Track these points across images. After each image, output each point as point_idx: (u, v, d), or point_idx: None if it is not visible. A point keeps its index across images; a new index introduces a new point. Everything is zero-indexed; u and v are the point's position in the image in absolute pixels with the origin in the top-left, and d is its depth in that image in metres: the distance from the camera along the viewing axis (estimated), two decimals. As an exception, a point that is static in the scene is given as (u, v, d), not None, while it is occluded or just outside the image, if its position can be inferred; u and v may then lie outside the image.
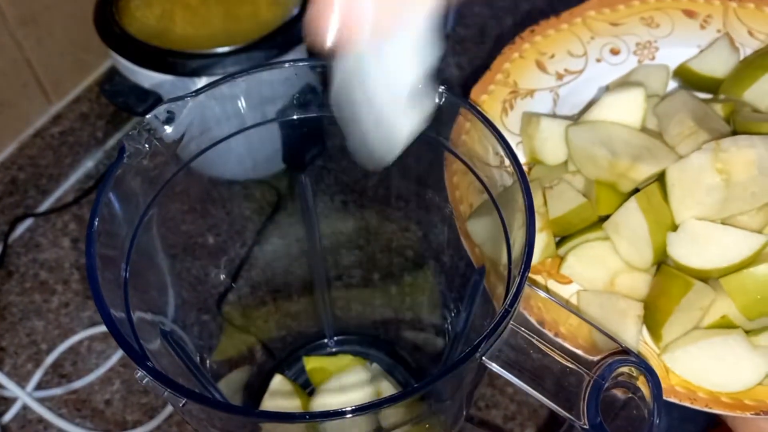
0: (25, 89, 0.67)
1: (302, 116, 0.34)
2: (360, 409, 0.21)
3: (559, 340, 0.25)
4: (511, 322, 0.25)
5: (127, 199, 0.29)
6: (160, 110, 0.29)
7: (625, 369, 0.25)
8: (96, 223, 0.25)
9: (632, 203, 0.41)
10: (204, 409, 0.22)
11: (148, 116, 0.29)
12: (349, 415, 0.21)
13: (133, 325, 0.25)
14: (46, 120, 0.69)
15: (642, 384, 0.25)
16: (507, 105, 0.48)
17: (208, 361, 0.45)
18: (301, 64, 0.31)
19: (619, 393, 0.25)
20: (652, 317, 0.39)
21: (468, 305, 0.35)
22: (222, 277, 0.54)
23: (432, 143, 0.34)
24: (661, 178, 0.41)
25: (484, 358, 0.24)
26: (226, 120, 0.32)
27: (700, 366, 0.37)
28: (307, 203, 0.41)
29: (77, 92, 0.72)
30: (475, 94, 0.48)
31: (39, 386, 0.59)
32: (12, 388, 0.56)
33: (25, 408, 0.57)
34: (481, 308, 0.35)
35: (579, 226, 0.44)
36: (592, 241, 0.42)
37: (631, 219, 0.41)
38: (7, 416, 0.57)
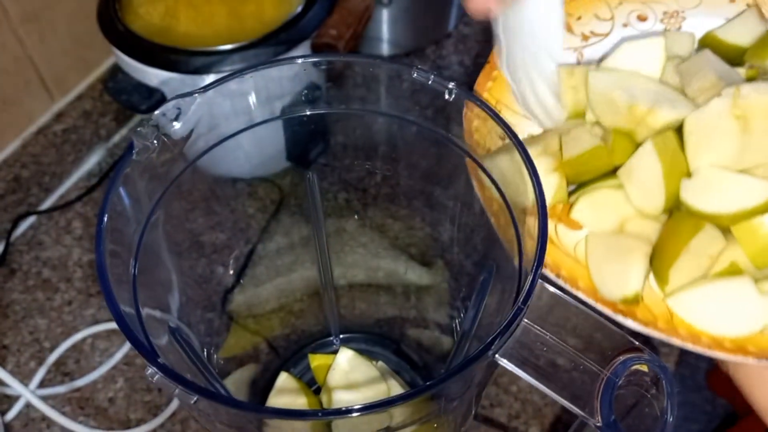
0: (28, 87, 0.67)
1: (311, 113, 0.34)
2: (371, 407, 0.21)
3: (572, 342, 0.25)
4: (524, 319, 0.25)
5: (136, 195, 0.29)
6: (169, 106, 0.29)
7: (638, 367, 0.25)
8: (105, 220, 0.25)
9: (648, 145, 0.40)
10: (213, 406, 0.22)
11: (156, 112, 0.29)
12: (359, 413, 0.21)
13: (142, 321, 0.25)
14: (49, 117, 0.69)
15: (655, 381, 0.24)
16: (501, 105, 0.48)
17: (214, 357, 0.45)
18: (309, 60, 0.31)
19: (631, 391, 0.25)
20: (660, 259, 0.39)
21: (476, 303, 0.35)
22: (227, 275, 0.54)
23: (440, 141, 0.34)
24: (679, 128, 0.41)
25: (496, 355, 0.24)
26: (235, 116, 0.32)
27: (705, 310, 0.37)
28: (314, 201, 0.41)
29: (80, 90, 0.72)
30: (480, 83, 0.48)
31: (42, 384, 0.59)
32: (15, 386, 0.56)
33: (28, 406, 0.57)
34: (490, 306, 0.35)
35: (593, 173, 0.43)
36: (605, 188, 0.42)
37: (645, 162, 0.40)
38: (10, 414, 0.57)
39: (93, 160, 0.73)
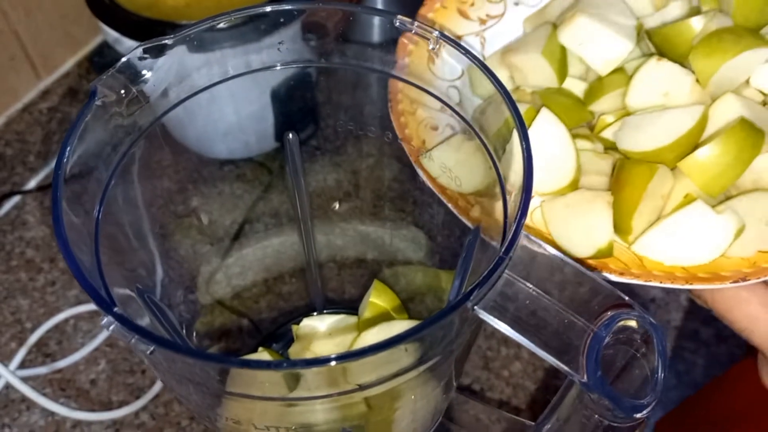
0: (13, 62, 0.65)
1: (287, 66, 0.32)
2: (342, 358, 0.19)
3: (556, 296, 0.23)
4: (507, 271, 0.23)
5: (99, 148, 0.27)
6: (136, 53, 0.27)
7: (627, 323, 0.23)
8: (65, 162, 0.23)
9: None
10: (171, 357, 0.20)
11: (122, 60, 0.27)
12: (331, 363, 0.19)
13: (101, 270, 0.24)
14: (34, 95, 0.68)
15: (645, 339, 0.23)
16: (433, 53, 0.49)
17: (194, 335, 0.44)
18: (286, 7, 0.30)
19: (620, 352, 0.24)
20: (619, 211, 0.38)
21: (461, 270, 0.34)
22: (211, 255, 0.53)
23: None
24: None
25: (477, 308, 0.22)
26: (207, 68, 0.31)
27: (670, 246, 0.37)
28: (294, 164, 0.39)
29: (67, 67, 0.70)
30: (401, 44, 0.49)
31: (22, 365, 0.57)
32: (-8, 366, 0.54)
33: (7, 387, 0.56)
34: (475, 275, 0.33)
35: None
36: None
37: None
38: (-11, 395, 0.55)
39: (79, 140, 0.72)
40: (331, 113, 0.51)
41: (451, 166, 0.35)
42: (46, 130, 0.69)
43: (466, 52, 0.28)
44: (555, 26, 0.45)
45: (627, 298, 0.23)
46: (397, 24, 0.29)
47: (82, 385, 0.57)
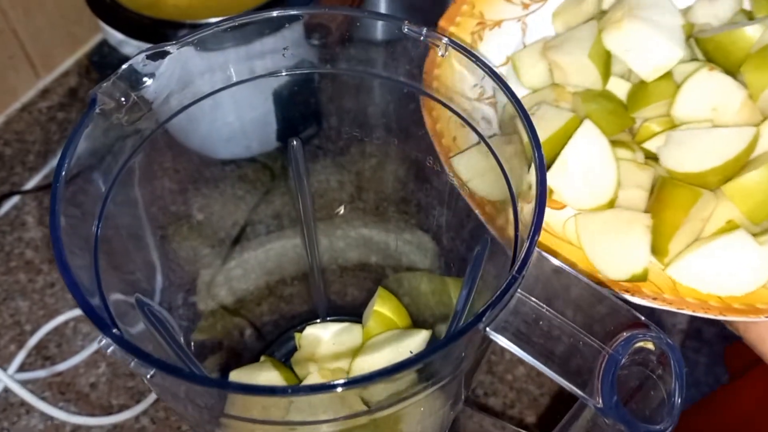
0: (12, 61, 0.64)
1: (292, 72, 0.31)
2: (348, 384, 0.19)
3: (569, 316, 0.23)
4: (519, 290, 0.22)
5: (99, 157, 0.27)
6: (137, 59, 0.27)
7: (643, 344, 0.23)
8: (63, 175, 0.22)
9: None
10: (172, 381, 0.20)
11: (123, 66, 0.27)
12: (338, 389, 0.19)
13: (102, 289, 0.23)
14: (33, 94, 0.67)
15: (662, 361, 0.22)
16: (476, 36, 0.48)
17: (192, 344, 0.43)
18: (292, 12, 0.29)
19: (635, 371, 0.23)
20: (657, 232, 0.37)
21: (469, 280, 0.33)
22: (213, 257, 0.52)
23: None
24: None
25: (488, 329, 0.22)
26: (210, 74, 0.30)
27: (707, 273, 0.36)
28: (298, 171, 0.39)
29: (67, 66, 0.69)
30: (442, 26, 0.48)
31: (22, 368, 0.57)
32: (-9, 370, 0.54)
33: (6, 391, 0.55)
34: (485, 282, 0.32)
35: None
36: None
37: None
38: (-12, 399, 0.55)
39: (79, 140, 0.71)
40: (334, 112, 0.51)
41: (470, 176, 0.34)
42: (45, 130, 0.68)
43: (477, 60, 0.27)
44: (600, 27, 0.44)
45: (643, 317, 0.23)
46: (405, 30, 0.28)
47: (81, 389, 0.56)
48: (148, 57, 0.27)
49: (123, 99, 0.27)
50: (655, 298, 0.35)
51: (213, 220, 0.54)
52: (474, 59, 0.27)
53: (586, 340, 0.22)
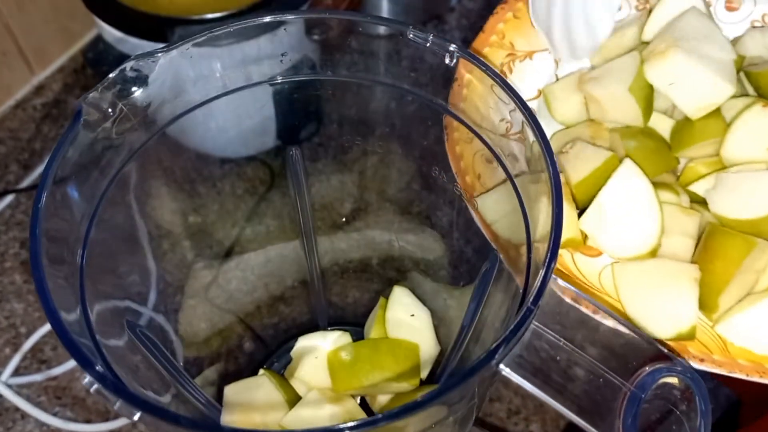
0: (5, 58, 0.63)
1: (291, 79, 0.30)
2: (354, 428, 0.17)
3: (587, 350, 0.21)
4: (534, 322, 0.21)
5: (86, 173, 0.25)
6: (127, 68, 0.25)
7: (667, 379, 0.21)
8: (42, 203, 0.21)
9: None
10: (157, 422, 0.18)
11: (110, 75, 0.25)
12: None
13: (89, 322, 0.22)
14: (27, 91, 0.65)
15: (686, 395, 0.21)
16: (505, 68, 0.45)
17: (183, 353, 0.42)
18: (290, 17, 0.27)
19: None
20: (706, 286, 0.34)
21: (477, 295, 0.31)
22: (210, 259, 0.51)
23: (434, 111, 0.30)
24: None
25: (501, 365, 0.20)
26: (204, 82, 0.28)
27: (761, 331, 0.33)
28: (297, 181, 0.37)
29: (61, 62, 0.68)
30: None
31: (17, 372, 0.56)
32: (-14, 376, 0.53)
33: (1, 396, 0.54)
34: (493, 297, 0.31)
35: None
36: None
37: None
38: (-18, 404, 0.54)
39: (75, 137, 0.69)
40: (335, 111, 0.49)
41: (496, 217, 0.31)
42: (40, 127, 0.67)
43: (489, 70, 0.25)
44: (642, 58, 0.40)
45: (665, 349, 0.21)
46: (411, 36, 0.27)
47: (77, 393, 0.55)
48: (136, 64, 0.25)
49: (110, 110, 0.25)
50: (702, 360, 0.32)
51: (210, 221, 0.52)
52: (495, 76, 0.25)
53: (606, 376, 0.21)
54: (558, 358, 0.21)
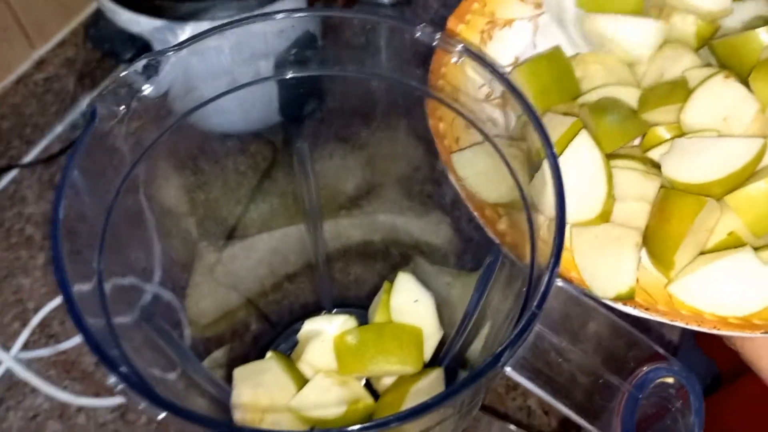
0: (5, 33, 0.62)
1: (299, 74, 0.30)
2: (365, 429, 0.18)
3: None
4: (538, 324, 0.22)
5: (101, 171, 0.26)
6: (138, 66, 0.26)
7: (663, 379, 0.22)
8: (63, 203, 0.22)
9: None
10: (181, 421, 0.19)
11: (123, 74, 0.25)
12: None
13: (112, 326, 0.22)
14: (29, 66, 0.65)
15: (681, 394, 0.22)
16: (485, 35, 0.46)
17: (190, 333, 0.42)
18: (297, 15, 0.27)
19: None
20: (662, 244, 0.36)
21: (480, 286, 0.32)
22: (216, 239, 0.51)
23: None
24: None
25: (506, 367, 0.21)
26: (214, 78, 0.29)
27: (708, 293, 0.35)
28: (305, 175, 0.38)
29: (62, 36, 0.67)
30: (451, 24, 0.46)
31: (26, 346, 0.56)
32: (-6, 352, 0.53)
33: (11, 369, 0.55)
34: (496, 289, 0.32)
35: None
36: None
37: None
38: (-7, 378, 0.55)
39: (77, 111, 0.69)
40: (336, 86, 0.49)
41: (469, 173, 0.33)
42: (42, 102, 0.67)
43: (493, 70, 0.26)
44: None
45: (661, 350, 0.22)
46: (418, 35, 0.27)
47: (86, 368, 0.56)
48: (146, 63, 0.26)
49: (122, 108, 0.26)
50: (647, 309, 0.34)
51: (213, 197, 0.53)
52: (489, 67, 0.26)
53: (606, 377, 0.22)
54: (560, 360, 0.22)
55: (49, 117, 0.67)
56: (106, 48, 0.56)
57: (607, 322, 0.23)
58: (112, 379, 0.19)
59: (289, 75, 0.30)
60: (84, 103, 0.70)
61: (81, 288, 0.22)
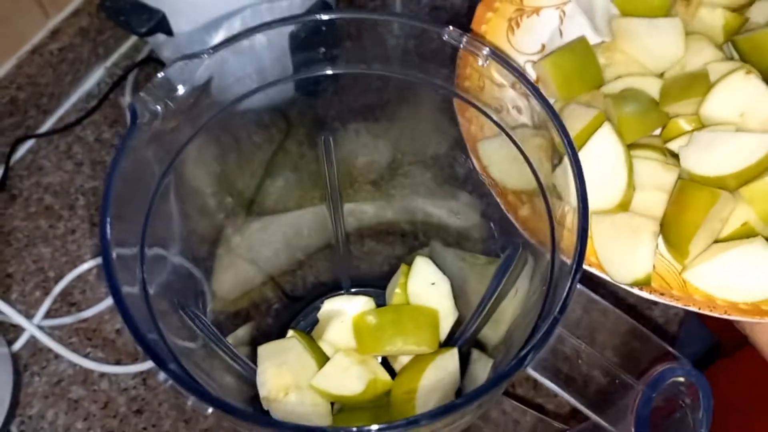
0: (19, 3, 0.62)
1: (325, 73, 0.31)
2: (389, 428, 0.20)
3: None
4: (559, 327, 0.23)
5: (141, 167, 0.27)
6: (175, 68, 0.26)
7: (675, 378, 0.23)
8: (110, 206, 0.23)
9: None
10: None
11: (159, 75, 0.26)
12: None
13: (157, 324, 0.24)
14: (43, 36, 0.65)
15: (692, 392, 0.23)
16: (513, 23, 0.48)
17: (213, 305, 0.44)
18: (326, 17, 0.28)
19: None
20: (678, 234, 0.38)
21: (499, 274, 0.34)
22: (231, 207, 0.52)
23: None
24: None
25: (528, 368, 0.23)
26: (246, 77, 0.29)
27: (721, 279, 0.37)
28: (329, 167, 0.38)
29: (76, 5, 0.67)
30: (480, 11, 0.47)
31: (48, 314, 0.58)
32: (19, 319, 0.55)
33: (35, 337, 0.57)
34: (511, 283, 0.33)
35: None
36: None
37: None
38: (18, 344, 0.57)
39: (92, 81, 0.70)
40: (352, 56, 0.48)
41: (494, 161, 0.34)
42: (57, 71, 0.67)
43: (514, 70, 0.26)
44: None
45: (671, 348, 0.24)
46: (445, 37, 0.28)
47: (107, 335, 0.58)
48: (182, 64, 0.26)
49: (158, 106, 0.26)
50: (662, 294, 0.36)
51: (229, 170, 0.53)
52: (511, 69, 0.26)
53: (621, 377, 0.23)
54: (579, 361, 0.23)
55: (64, 87, 0.68)
56: (121, 21, 0.55)
57: (625, 323, 0.24)
58: (161, 376, 0.21)
59: (319, 73, 0.30)
60: (98, 74, 0.70)
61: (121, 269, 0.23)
